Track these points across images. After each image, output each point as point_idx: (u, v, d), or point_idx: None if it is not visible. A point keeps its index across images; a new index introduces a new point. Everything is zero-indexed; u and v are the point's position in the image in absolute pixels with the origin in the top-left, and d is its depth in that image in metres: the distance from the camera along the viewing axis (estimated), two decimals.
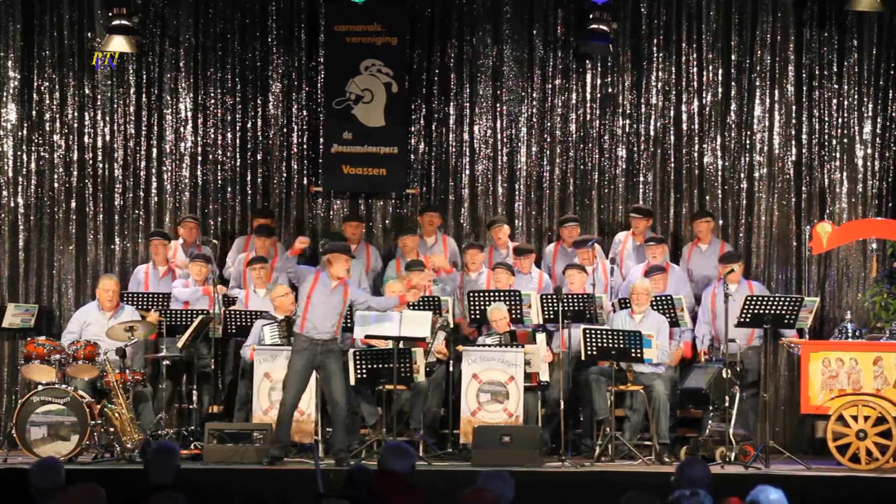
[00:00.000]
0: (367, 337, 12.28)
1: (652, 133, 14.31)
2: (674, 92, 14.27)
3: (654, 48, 14.28)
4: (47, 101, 14.36)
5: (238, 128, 14.52)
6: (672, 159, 14.31)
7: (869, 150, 14.02)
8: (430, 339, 12.40)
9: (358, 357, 12.10)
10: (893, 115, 14.06)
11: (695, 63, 14.22)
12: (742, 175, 14.19)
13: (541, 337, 12.38)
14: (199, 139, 14.48)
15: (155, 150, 14.45)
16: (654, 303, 12.53)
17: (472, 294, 12.76)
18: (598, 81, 14.38)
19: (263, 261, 13.16)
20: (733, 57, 14.17)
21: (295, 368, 11.55)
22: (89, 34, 14.33)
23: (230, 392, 13.15)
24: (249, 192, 14.56)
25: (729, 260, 12.89)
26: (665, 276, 12.91)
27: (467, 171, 14.50)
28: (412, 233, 13.70)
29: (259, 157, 14.57)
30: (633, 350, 11.87)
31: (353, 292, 11.75)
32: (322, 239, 13.76)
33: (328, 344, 11.60)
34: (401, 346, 11.98)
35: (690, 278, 13.42)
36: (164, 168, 14.46)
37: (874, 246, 13.84)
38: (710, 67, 14.21)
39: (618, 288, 13.25)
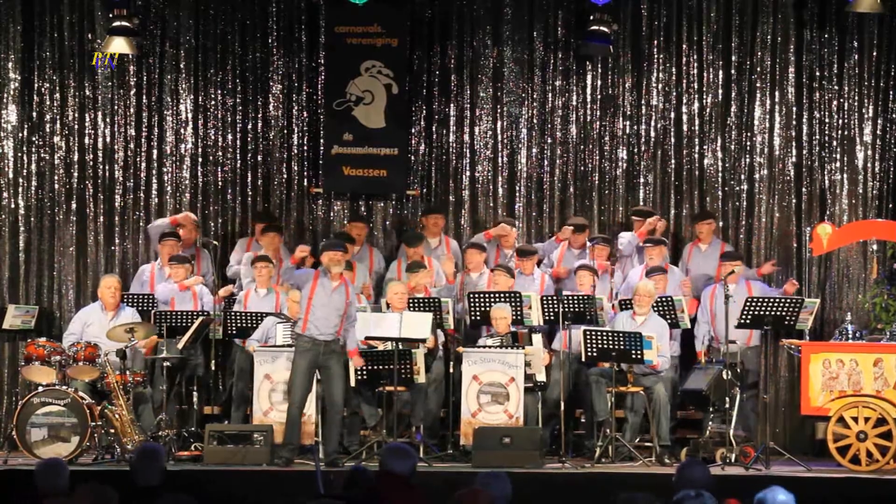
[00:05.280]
0: (367, 338, 12.28)
1: (652, 134, 14.31)
2: (674, 93, 14.27)
3: (655, 49, 14.28)
4: (48, 103, 14.36)
5: (238, 129, 14.52)
6: (672, 161, 14.31)
7: (869, 152, 14.02)
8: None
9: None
10: (894, 116, 14.06)
11: (695, 64, 14.22)
12: (742, 176, 14.19)
13: (537, 338, 12.37)
14: (199, 140, 14.48)
15: (155, 152, 14.44)
16: (654, 304, 12.52)
17: (473, 295, 12.75)
18: (599, 83, 14.38)
19: (267, 260, 13.14)
20: (734, 58, 14.17)
21: (299, 370, 11.56)
22: (90, 35, 14.33)
23: (231, 393, 13.16)
24: (250, 193, 14.56)
25: (730, 258, 12.90)
26: (664, 276, 12.91)
27: (468, 173, 14.49)
28: (419, 243, 13.60)
29: (259, 158, 14.56)
30: (633, 351, 11.86)
31: (353, 295, 11.76)
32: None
33: (330, 345, 11.61)
34: (401, 346, 11.99)
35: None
36: (165, 169, 14.46)
37: (874, 247, 13.85)
38: (711, 69, 14.21)
39: (618, 289, 13.25)
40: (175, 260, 13.17)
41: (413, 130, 14.52)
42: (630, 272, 13.41)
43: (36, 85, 14.33)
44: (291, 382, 11.60)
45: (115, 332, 12.13)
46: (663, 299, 12.62)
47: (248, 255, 13.51)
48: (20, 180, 14.33)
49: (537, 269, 13.33)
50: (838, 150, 14.07)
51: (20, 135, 14.31)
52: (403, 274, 13.20)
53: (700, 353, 12.68)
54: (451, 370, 12.63)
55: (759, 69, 14.11)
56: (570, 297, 12.52)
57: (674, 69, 14.26)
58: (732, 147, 14.20)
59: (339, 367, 11.63)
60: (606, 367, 12.12)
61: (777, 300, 12.00)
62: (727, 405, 11.71)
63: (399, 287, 12.60)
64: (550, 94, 14.42)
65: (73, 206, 14.36)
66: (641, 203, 14.19)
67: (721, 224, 14.10)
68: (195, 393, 12.80)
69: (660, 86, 14.30)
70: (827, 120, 14.10)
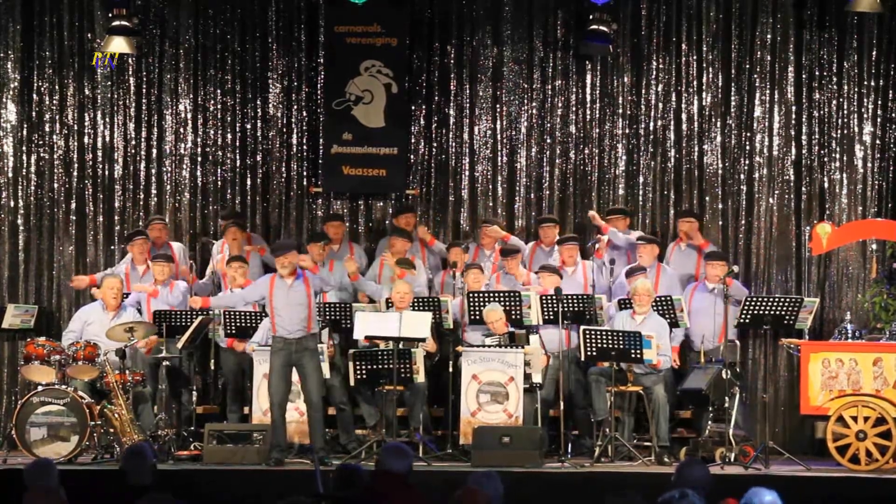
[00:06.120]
0: (367, 337, 12.29)
1: (651, 134, 14.31)
2: (673, 92, 14.27)
3: (654, 49, 14.29)
4: (47, 102, 14.37)
5: (238, 128, 14.53)
6: (672, 160, 14.31)
7: (868, 151, 14.01)
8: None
9: (357, 358, 12.11)
10: (893, 115, 14.06)
11: (694, 64, 14.22)
12: (742, 176, 14.19)
13: (534, 338, 12.36)
14: (198, 140, 14.49)
15: (155, 151, 14.45)
16: (653, 303, 12.52)
17: (471, 295, 12.74)
18: (598, 82, 14.38)
19: (241, 259, 13.14)
20: (733, 58, 14.17)
21: (275, 370, 11.62)
22: (89, 35, 14.34)
23: (225, 393, 13.19)
24: (249, 193, 14.56)
25: (714, 258, 12.86)
26: (645, 275, 12.84)
27: (467, 172, 14.49)
28: (402, 236, 13.59)
29: (259, 157, 14.56)
30: (632, 351, 11.86)
31: (314, 282, 11.77)
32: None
33: (302, 342, 11.60)
34: (400, 346, 11.99)
35: None
36: (164, 169, 14.47)
37: (874, 247, 13.84)
38: (710, 68, 14.20)
39: (614, 288, 13.25)
40: (160, 258, 13.14)
41: (412, 130, 14.52)
42: (621, 271, 13.36)
43: (35, 84, 14.35)
44: (270, 384, 11.66)
45: (114, 331, 12.14)
46: (662, 298, 12.62)
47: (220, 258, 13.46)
48: (20, 179, 14.34)
49: (522, 268, 13.30)
50: (838, 149, 14.06)
51: (20, 134, 14.32)
52: (384, 273, 13.20)
53: (674, 348, 12.69)
54: (451, 369, 12.60)
55: (758, 69, 14.11)
56: (570, 297, 12.52)
57: (673, 69, 14.25)
58: (732, 146, 14.19)
59: (312, 364, 11.64)
60: (606, 366, 12.12)
61: (777, 299, 12.00)
62: (726, 404, 11.71)
63: (404, 287, 12.60)
64: (550, 94, 14.42)
65: (73, 205, 14.36)
66: (640, 202, 14.20)
67: (720, 223, 14.09)
68: (194, 393, 12.80)
69: (659, 85, 14.30)
70: (826, 119, 14.09)
